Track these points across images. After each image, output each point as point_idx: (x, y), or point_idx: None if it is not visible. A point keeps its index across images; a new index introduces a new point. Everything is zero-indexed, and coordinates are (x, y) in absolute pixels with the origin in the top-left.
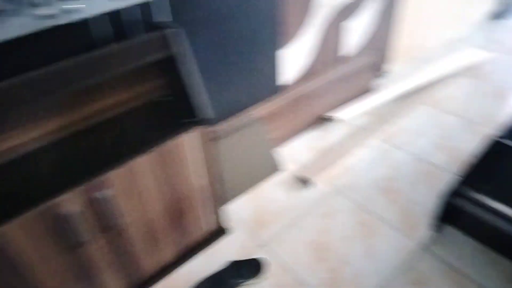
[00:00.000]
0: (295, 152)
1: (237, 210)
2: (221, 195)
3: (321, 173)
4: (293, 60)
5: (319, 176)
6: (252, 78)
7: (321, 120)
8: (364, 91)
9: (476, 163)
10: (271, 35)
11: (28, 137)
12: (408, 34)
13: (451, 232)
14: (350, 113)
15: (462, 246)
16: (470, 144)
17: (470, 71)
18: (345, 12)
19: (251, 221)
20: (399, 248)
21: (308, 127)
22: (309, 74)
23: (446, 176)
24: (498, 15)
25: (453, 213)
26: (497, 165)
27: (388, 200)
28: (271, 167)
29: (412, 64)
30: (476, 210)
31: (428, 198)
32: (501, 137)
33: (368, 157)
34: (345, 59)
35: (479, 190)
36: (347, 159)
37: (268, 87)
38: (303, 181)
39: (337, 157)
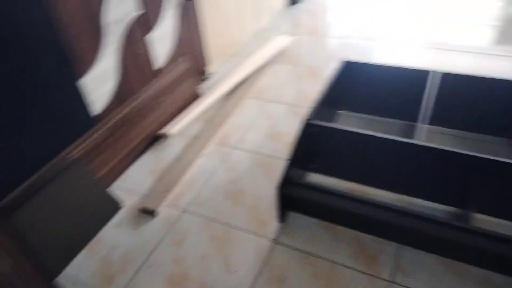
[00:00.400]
0: (134, 182)
1: (76, 273)
2: (42, 273)
3: (164, 197)
4: (101, 86)
5: (162, 201)
6: (56, 117)
7: (155, 139)
8: (193, 98)
9: (297, 146)
10: (63, 65)
11: None
12: (217, 32)
13: (295, 217)
14: (182, 125)
15: (307, 228)
16: (295, 128)
17: (282, 57)
18: (145, 25)
19: (96, 280)
20: (255, 250)
21: (143, 151)
22: (124, 96)
23: (281, 163)
24: (293, 0)
25: (290, 198)
26: (313, 143)
27: (235, 204)
28: (110, 208)
29: (232, 61)
30: (307, 190)
31: (270, 190)
32: (309, 118)
33: (208, 165)
34: (161, 72)
35: (305, 170)
36: (188, 174)
37: (80, 121)
38: (147, 212)
39: (177, 175)
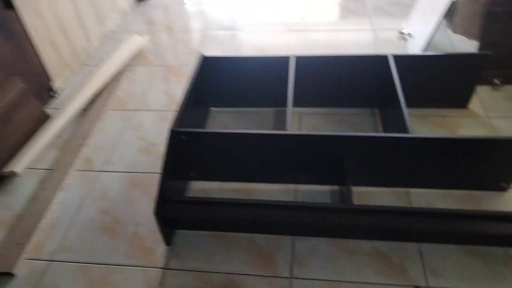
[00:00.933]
0: None
1: None
2: None
3: (21, 251)
4: None
5: (19, 257)
6: None
7: None
8: (42, 121)
9: (168, 157)
10: None
11: None
12: (55, 42)
13: (183, 234)
14: (30, 157)
15: (198, 244)
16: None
17: (140, 59)
18: None
19: None
20: (144, 285)
21: None
22: None
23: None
24: None
25: (171, 218)
26: (185, 151)
27: (112, 237)
28: None
29: (83, 71)
30: (187, 205)
31: (151, 212)
32: (174, 126)
33: (72, 199)
34: None
35: (185, 180)
36: (48, 215)
37: None
38: (1, 274)
39: (34, 219)
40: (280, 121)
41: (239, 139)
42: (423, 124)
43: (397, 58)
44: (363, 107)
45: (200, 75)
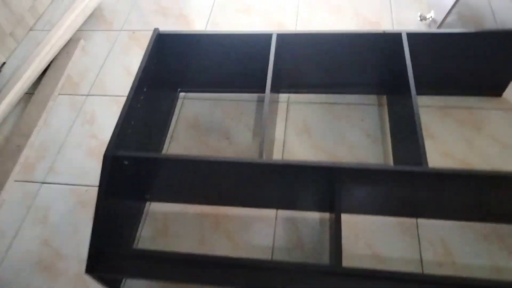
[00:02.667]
0: None
1: None
2: None
3: None
4: None
5: None
6: None
7: None
8: None
9: (103, 192)
10: None
11: None
12: None
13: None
14: None
15: None
16: None
17: (96, 20)
18: None
19: None
20: None
21: None
22: None
23: None
24: None
25: (107, 272)
26: (129, 175)
27: (49, 278)
28: None
29: (30, 41)
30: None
31: None
32: (111, 146)
33: (5, 223)
34: None
35: (141, 201)
36: None
37: None
38: None
39: None
40: (260, 110)
41: (200, 166)
42: (442, 120)
43: (412, 36)
44: (367, 93)
45: (158, 56)
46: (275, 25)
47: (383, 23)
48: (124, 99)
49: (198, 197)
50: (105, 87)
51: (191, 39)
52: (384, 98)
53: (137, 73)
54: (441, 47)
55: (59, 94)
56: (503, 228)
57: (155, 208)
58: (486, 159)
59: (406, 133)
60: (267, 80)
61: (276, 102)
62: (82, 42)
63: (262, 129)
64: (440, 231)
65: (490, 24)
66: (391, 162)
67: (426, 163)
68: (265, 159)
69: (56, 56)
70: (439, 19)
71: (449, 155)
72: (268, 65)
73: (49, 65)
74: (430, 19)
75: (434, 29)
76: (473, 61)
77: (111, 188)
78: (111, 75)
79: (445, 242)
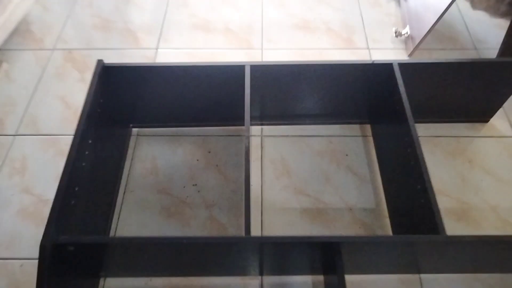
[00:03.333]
0: None
1: None
2: None
3: None
4: None
5: None
6: None
7: None
8: None
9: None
10: None
11: None
12: None
13: None
14: None
15: None
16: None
17: (23, 35)
18: None
19: None
20: None
21: None
22: None
23: None
24: None
25: None
26: (77, 260)
27: None
28: None
29: None
30: None
31: None
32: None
33: None
34: None
35: (96, 278)
36: None
37: None
38: None
39: None
40: (234, 150)
41: (166, 246)
42: (432, 152)
43: (402, 65)
44: (347, 123)
45: (103, 91)
46: (237, 43)
47: (357, 40)
48: (61, 138)
49: (165, 269)
50: (37, 124)
51: (142, 71)
52: (368, 128)
53: (80, 118)
54: (431, 76)
55: None
56: (510, 277)
57: (113, 284)
58: (482, 195)
59: (402, 173)
60: (245, 112)
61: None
62: (5, 65)
63: (246, 187)
64: (445, 285)
65: (465, 40)
66: (384, 207)
67: (444, 230)
68: (252, 236)
69: None
70: (415, 35)
71: (444, 193)
72: (242, 96)
73: None
74: (406, 35)
75: (423, 59)
76: (461, 89)
77: (53, 279)
78: (44, 108)
79: None
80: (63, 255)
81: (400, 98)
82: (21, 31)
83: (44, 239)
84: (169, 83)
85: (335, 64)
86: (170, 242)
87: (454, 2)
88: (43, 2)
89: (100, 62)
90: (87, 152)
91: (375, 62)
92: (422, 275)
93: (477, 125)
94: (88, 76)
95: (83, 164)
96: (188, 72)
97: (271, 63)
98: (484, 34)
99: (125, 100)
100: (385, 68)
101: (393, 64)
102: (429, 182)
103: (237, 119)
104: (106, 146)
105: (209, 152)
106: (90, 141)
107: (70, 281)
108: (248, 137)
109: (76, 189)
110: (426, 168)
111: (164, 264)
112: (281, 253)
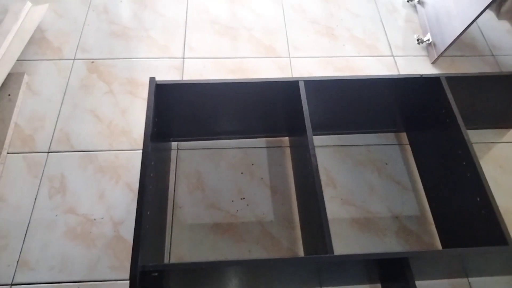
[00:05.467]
0: None
1: None
2: None
3: None
4: None
5: None
6: None
7: None
8: None
9: None
10: None
11: None
12: None
13: None
14: None
15: None
16: (120, 204)
17: (40, 44)
18: None
19: None
20: None
21: None
22: None
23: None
24: None
25: None
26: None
27: None
28: None
29: None
30: None
31: None
32: (137, 263)
33: None
34: None
35: None
36: None
37: None
38: None
39: None
40: (277, 162)
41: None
42: None
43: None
44: (383, 131)
45: (158, 109)
46: (264, 51)
47: (380, 47)
48: (99, 154)
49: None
50: (70, 139)
51: (191, 88)
52: (404, 136)
53: (144, 143)
54: (472, 87)
55: (8, 153)
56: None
57: None
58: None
59: (451, 181)
60: (307, 128)
61: (288, 147)
62: (26, 77)
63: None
64: (493, 286)
65: (482, 46)
66: (429, 214)
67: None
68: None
69: None
70: (438, 42)
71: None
72: (292, 109)
73: None
74: (428, 42)
75: (467, 73)
76: (496, 98)
77: None
78: (74, 122)
79: None
80: (145, 281)
81: (451, 109)
82: (36, 39)
83: (133, 268)
84: (213, 98)
85: (382, 79)
86: (257, 265)
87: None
88: (55, 8)
89: (153, 80)
90: (152, 175)
91: (423, 76)
92: (471, 279)
93: (503, 131)
94: (116, 88)
95: (150, 187)
96: (239, 87)
97: (321, 78)
98: (499, 40)
99: (168, 114)
100: (433, 81)
101: (441, 78)
102: (489, 190)
103: (278, 130)
104: (158, 163)
105: (253, 164)
106: (153, 163)
107: None
108: (313, 149)
109: (148, 213)
110: (484, 175)
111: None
112: (345, 268)
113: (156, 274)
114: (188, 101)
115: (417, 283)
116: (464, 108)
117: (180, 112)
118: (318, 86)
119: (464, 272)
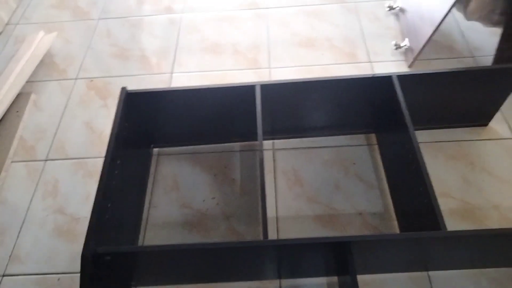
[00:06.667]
0: None
1: None
2: None
3: None
4: None
5: None
6: None
7: None
8: None
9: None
10: None
11: None
12: None
13: None
14: None
15: None
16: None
17: (45, 68)
18: None
19: None
20: None
21: None
22: None
23: None
24: None
25: None
26: (111, 269)
27: None
28: None
29: None
30: None
31: None
32: (89, 245)
33: None
34: None
35: None
36: None
37: None
38: None
39: None
40: (248, 164)
41: (192, 253)
42: (435, 156)
43: (401, 77)
44: (353, 133)
45: (128, 115)
46: (246, 64)
47: (359, 54)
48: (89, 161)
49: (190, 277)
50: (65, 148)
51: (161, 96)
52: (374, 137)
53: (110, 141)
54: (428, 85)
55: (12, 162)
56: None
57: None
58: (485, 195)
59: (406, 177)
60: (258, 128)
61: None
62: (33, 96)
63: (261, 196)
64: (453, 281)
65: (462, 48)
66: (392, 211)
67: (444, 226)
68: (269, 239)
69: (4, 116)
70: (414, 46)
71: (448, 195)
72: (254, 114)
73: None
74: (406, 47)
75: (421, 70)
76: (460, 96)
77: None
78: (71, 133)
79: None
80: (100, 265)
81: (400, 108)
82: (45, 63)
83: (85, 250)
84: (186, 105)
85: (338, 80)
86: (195, 248)
87: (450, 12)
88: (64, 35)
89: (123, 89)
90: (116, 172)
91: (375, 76)
92: (431, 273)
93: (477, 129)
94: (110, 102)
95: (114, 182)
96: (202, 94)
97: (279, 82)
98: (480, 41)
99: (147, 122)
100: (385, 81)
101: (392, 76)
102: (429, 181)
103: (250, 135)
104: (131, 166)
105: (225, 167)
106: (118, 162)
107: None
108: (261, 151)
109: (109, 205)
110: (426, 169)
111: (189, 272)
112: (297, 256)
113: (109, 257)
114: (161, 109)
115: (377, 276)
116: (428, 106)
117: (158, 120)
118: (278, 89)
119: (423, 265)
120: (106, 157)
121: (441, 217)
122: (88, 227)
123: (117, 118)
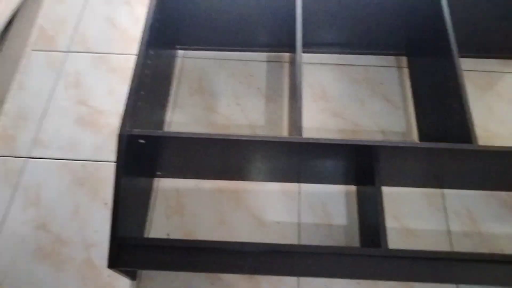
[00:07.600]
0: None
1: None
2: None
3: None
4: None
5: None
6: None
7: None
8: None
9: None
10: None
11: None
12: None
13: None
14: None
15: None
16: (120, 97)
17: None
18: None
19: None
20: None
21: None
22: None
23: (109, 171)
24: None
25: (129, 266)
26: (142, 153)
27: (54, 269)
28: None
29: None
30: (147, 249)
31: (103, 225)
32: (125, 126)
33: None
34: None
35: (152, 177)
36: None
37: None
38: None
39: None
40: (274, 75)
41: (221, 143)
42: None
43: None
44: (383, 54)
45: (159, 11)
46: None
47: None
48: (112, 57)
49: (214, 172)
50: (87, 42)
51: None
52: (404, 60)
53: (144, 34)
54: (472, 7)
55: (32, 50)
56: None
57: (167, 185)
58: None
59: (438, 100)
60: (297, 38)
61: (287, 62)
62: None
63: (296, 100)
64: (466, 201)
65: None
66: (415, 130)
67: (476, 140)
68: (298, 137)
69: (22, 3)
70: None
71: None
72: (288, 21)
73: (14, 16)
74: None
75: None
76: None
77: (127, 169)
78: (92, 27)
79: (471, 212)
80: (133, 149)
81: (445, 29)
82: None
83: (121, 131)
84: (214, 5)
85: None
86: (221, 138)
87: None
88: None
89: None
90: (149, 62)
91: None
92: (445, 190)
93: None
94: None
95: (146, 72)
96: None
97: None
98: None
99: (174, 20)
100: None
101: None
102: (466, 98)
103: (279, 45)
104: (159, 66)
105: (251, 75)
106: (152, 52)
107: (136, 178)
108: (300, 65)
109: (142, 93)
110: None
111: (212, 166)
112: (319, 158)
113: (143, 141)
114: (192, 7)
115: (391, 188)
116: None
117: (186, 18)
118: None
119: (438, 182)
120: (141, 45)
121: (473, 130)
122: (124, 110)
123: (150, 11)
